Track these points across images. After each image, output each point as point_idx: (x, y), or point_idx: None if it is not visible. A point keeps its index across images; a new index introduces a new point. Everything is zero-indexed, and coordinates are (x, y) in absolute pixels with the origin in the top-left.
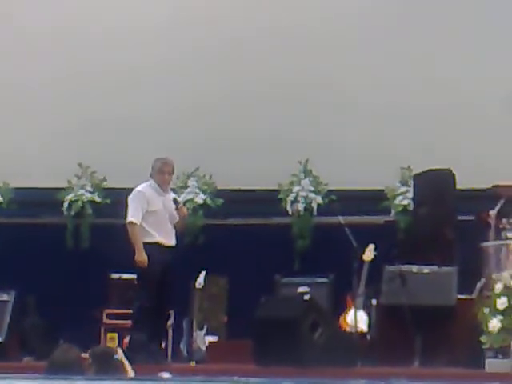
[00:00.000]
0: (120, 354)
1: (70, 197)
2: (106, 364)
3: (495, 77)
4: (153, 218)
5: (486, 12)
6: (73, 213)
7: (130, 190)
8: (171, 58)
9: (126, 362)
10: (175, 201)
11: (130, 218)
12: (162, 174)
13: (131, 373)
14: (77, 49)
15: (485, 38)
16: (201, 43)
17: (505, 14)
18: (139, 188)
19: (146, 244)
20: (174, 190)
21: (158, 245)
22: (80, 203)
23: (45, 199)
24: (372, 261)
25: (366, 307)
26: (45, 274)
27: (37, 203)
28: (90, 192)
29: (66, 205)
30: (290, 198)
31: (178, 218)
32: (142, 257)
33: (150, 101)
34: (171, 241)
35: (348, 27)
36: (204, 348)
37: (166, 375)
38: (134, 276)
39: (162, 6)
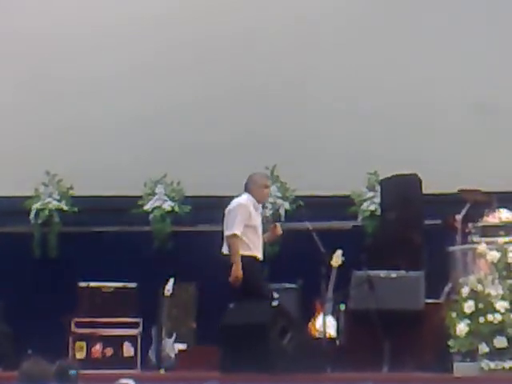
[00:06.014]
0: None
1: (37, 205)
2: (62, 379)
3: (463, 81)
4: (251, 232)
5: (457, 15)
6: (40, 221)
7: (98, 198)
8: (138, 65)
9: None
10: (269, 219)
11: (234, 231)
12: (265, 188)
13: None
14: (45, 54)
15: (452, 41)
16: (169, 48)
17: (473, 17)
18: (241, 201)
19: (242, 256)
20: (141, 198)
21: (253, 258)
22: (47, 211)
23: (11, 208)
24: (340, 266)
25: (335, 313)
26: (12, 283)
27: (3, 212)
28: (57, 200)
29: (33, 213)
30: None
31: (266, 233)
32: (239, 272)
33: (116, 109)
34: (261, 255)
35: (321, 28)
36: (173, 356)
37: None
38: (103, 284)
39: (133, 10)
